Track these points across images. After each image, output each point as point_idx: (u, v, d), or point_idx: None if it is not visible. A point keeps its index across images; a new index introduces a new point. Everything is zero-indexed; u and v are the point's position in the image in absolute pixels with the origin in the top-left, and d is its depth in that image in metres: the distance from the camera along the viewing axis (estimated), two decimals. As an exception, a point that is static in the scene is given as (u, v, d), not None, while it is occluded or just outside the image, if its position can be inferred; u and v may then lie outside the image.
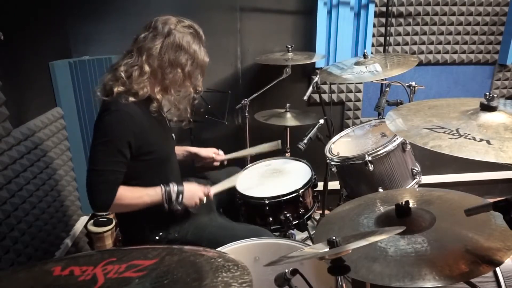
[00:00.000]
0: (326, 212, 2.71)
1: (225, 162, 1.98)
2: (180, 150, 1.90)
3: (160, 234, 1.60)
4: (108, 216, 2.41)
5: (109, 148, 1.42)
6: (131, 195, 1.48)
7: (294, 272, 1.02)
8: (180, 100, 1.60)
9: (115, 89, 1.45)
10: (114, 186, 1.44)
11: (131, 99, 1.45)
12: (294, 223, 1.81)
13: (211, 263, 0.74)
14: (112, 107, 1.43)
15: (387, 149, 1.73)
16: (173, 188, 1.53)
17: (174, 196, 1.52)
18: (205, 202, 1.62)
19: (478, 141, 0.90)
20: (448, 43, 2.78)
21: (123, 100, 1.44)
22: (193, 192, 1.57)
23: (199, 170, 2.03)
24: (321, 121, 2.08)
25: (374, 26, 2.65)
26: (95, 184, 1.42)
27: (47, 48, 2.13)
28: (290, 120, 2.44)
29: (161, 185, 1.53)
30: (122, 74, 1.45)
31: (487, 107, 1.01)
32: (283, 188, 1.81)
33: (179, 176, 1.77)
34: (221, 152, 1.97)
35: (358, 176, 1.83)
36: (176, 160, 1.78)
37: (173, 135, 1.72)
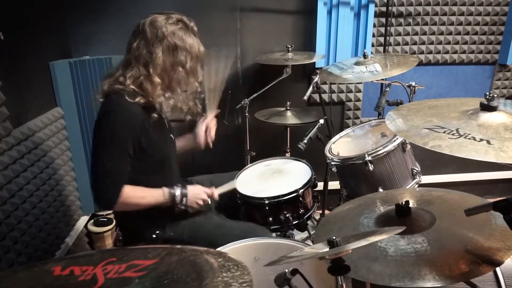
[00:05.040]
0: (326, 212, 2.71)
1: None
2: (181, 141, 1.89)
3: (157, 232, 1.60)
4: (108, 216, 2.41)
5: (115, 147, 1.43)
6: (136, 195, 1.49)
7: (294, 272, 1.02)
8: (189, 97, 1.61)
9: (136, 100, 1.46)
10: (119, 184, 1.45)
11: (136, 99, 1.46)
12: (294, 223, 1.81)
13: (211, 263, 0.74)
14: (116, 106, 1.44)
15: (387, 149, 1.73)
16: (177, 190, 1.55)
17: (178, 198, 1.54)
18: (210, 203, 1.63)
19: (478, 141, 0.90)
20: (448, 43, 2.78)
21: (126, 99, 1.44)
22: (197, 194, 1.59)
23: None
24: (321, 121, 2.08)
25: (374, 26, 2.65)
26: (101, 183, 1.43)
27: (47, 48, 2.13)
28: (290, 118, 2.44)
29: (165, 187, 1.54)
30: (132, 87, 1.46)
31: (487, 107, 1.01)
32: (283, 188, 1.81)
33: (178, 178, 1.77)
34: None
35: (358, 176, 1.83)
36: (177, 162, 1.78)
37: (171, 135, 1.72)
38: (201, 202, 1.60)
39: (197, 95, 1.65)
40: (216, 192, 1.66)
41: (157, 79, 1.47)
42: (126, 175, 1.47)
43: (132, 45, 1.48)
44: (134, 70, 1.47)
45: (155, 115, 1.52)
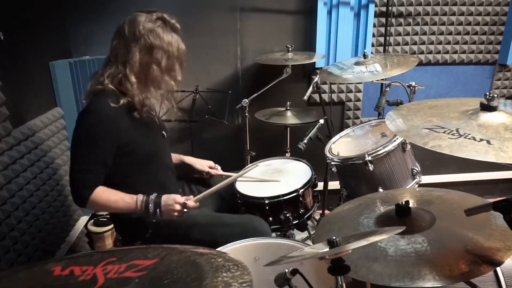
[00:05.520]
0: (326, 212, 2.71)
1: (223, 177, 1.92)
2: (175, 158, 1.88)
3: (150, 231, 1.60)
4: (108, 216, 2.41)
5: (88, 148, 1.45)
6: (107, 198, 1.48)
7: (294, 272, 1.02)
8: (165, 96, 1.60)
9: (121, 101, 1.46)
10: (91, 184, 1.46)
11: (121, 101, 1.47)
12: (294, 223, 1.81)
13: (211, 263, 0.74)
14: (92, 108, 1.46)
15: (387, 149, 1.73)
16: (152, 199, 1.49)
17: (151, 209, 1.49)
18: (187, 212, 1.53)
19: (478, 141, 0.90)
20: (448, 43, 2.78)
21: (104, 99, 1.45)
22: (169, 205, 1.50)
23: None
24: (321, 121, 2.08)
25: (374, 26, 2.64)
26: (74, 180, 1.46)
27: (47, 48, 2.13)
28: (290, 118, 2.44)
29: (140, 194, 1.50)
30: (111, 86, 1.46)
31: (487, 107, 1.01)
32: (283, 188, 1.81)
33: (171, 175, 1.75)
34: (217, 167, 1.93)
35: (358, 176, 1.83)
36: (169, 158, 1.77)
37: (163, 132, 1.71)
38: (175, 214, 1.50)
39: (173, 95, 1.63)
40: (193, 200, 1.55)
41: (133, 78, 1.47)
42: (99, 175, 1.47)
43: (113, 43, 1.49)
44: (113, 68, 1.48)
45: (136, 114, 1.52)
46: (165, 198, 1.51)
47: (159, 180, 1.63)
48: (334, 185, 2.48)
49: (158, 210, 1.49)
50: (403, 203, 1.12)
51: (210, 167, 1.92)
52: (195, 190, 1.91)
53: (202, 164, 1.92)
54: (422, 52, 2.78)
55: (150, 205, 1.48)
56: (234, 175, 1.87)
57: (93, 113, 1.46)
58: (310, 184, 1.86)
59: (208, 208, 1.84)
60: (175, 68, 1.54)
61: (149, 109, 1.59)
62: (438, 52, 2.80)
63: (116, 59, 1.48)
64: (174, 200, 1.50)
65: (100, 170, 1.48)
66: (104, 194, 1.48)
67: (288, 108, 2.49)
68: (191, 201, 1.53)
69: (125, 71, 1.46)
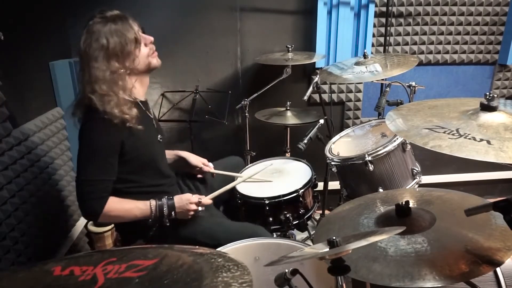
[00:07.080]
0: (326, 212, 2.71)
1: (213, 176, 1.97)
2: (170, 154, 1.88)
3: (154, 229, 1.60)
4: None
5: (97, 156, 1.42)
6: (120, 208, 1.48)
7: (294, 272, 1.02)
8: (122, 100, 1.48)
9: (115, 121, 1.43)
10: (104, 195, 1.44)
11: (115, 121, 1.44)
12: (294, 223, 1.81)
13: (211, 263, 0.74)
14: (95, 115, 1.41)
15: (387, 149, 1.73)
16: (165, 202, 1.51)
17: (166, 212, 1.51)
18: (201, 210, 1.59)
19: (478, 141, 0.90)
20: (448, 43, 2.78)
21: (105, 108, 1.41)
22: (184, 205, 1.54)
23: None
24: (321, 121, 2.08)
25: (374, 26, 2.64)
26: (85, 193, 1.43)
27: (47, 48, 2.13)
28: (290, 118, 2.44)
29: (152, 199, 1.52)
30: (103, 108, 1.42)
31: (487, 107, 1.01)
32: (283, 188, 1.81)
33: (167, 181, 1.73)
34: (210, 165, 1.95)
35: (358, 176, 1.83)
36: (165, 162, 1.76)
37: (159, 136, 1.68)
38: (190, 213, 1.56)
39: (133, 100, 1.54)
40: (208, 197, 1.62)
41: (110, 93, 1.41)
42: (109, 186, 1.45)
43: (79, 73, 1.47)
44: (93, 93, 1.41)
45: (129, 124, 1.46)
46: (178, 199, 1.54)
47: (155, 187, 1.62)
48: (334, 185, 2.48)
49: (173, 212, 1.52)
50: (403, 203, 1.12)
51: (204, 164, 1.93)
52: (192, 186, 1.91)
53: (197, 159, 1.92)
54: (422, 52, 2.78)
55: (164, 208, 1.50)
56: (228, 173, 1.94)
57: (99, 121, 1.41)
58: (310, 184, 1.86)
59: (213, 208, 1.83)
60: (137, 51, 1.47)
61: (146, 112, 1.57)
62: (438, 52, 2.80)
63: (89, 83, 1.42)
64: (188, 200, 1.54)
65: (111, 178, 1.45)
66: (118, 204, 1.46)
67: (288, 108, 2.49)
68: (206, 199, 1.59)
69: (100, 89, 1.40)
